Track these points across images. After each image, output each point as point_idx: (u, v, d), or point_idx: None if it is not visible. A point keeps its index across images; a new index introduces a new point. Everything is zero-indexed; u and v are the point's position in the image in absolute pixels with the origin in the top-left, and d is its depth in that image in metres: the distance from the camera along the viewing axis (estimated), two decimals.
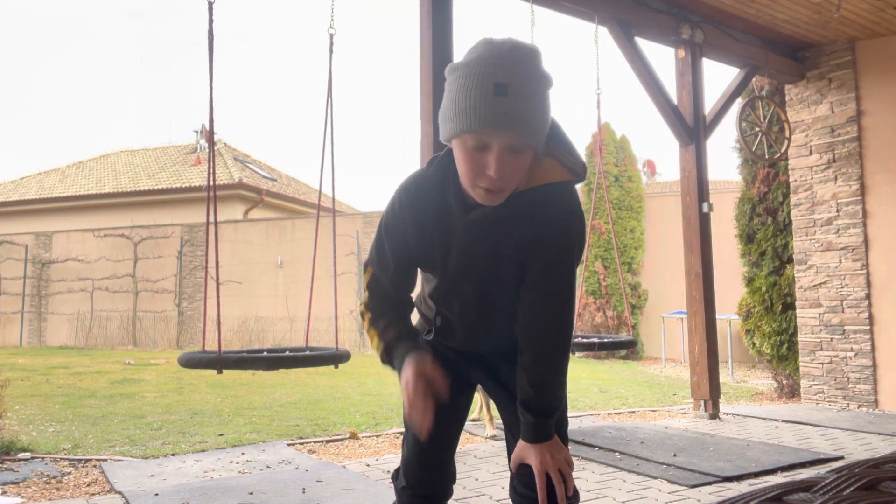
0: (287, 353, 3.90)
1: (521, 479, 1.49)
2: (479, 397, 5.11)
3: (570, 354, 1.56)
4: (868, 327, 5.96)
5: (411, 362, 1.43)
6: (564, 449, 1.48)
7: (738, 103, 6.43)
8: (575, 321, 1.48)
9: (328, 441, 4.63)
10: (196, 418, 5.43)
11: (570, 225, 1.44)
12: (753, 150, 6.44)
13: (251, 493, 3.25)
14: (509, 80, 1.26)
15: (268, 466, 3.87)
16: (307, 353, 3.72)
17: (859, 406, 5.98)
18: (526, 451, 1.45)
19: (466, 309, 1.57)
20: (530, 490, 1.46)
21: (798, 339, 6.47)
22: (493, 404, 4.95)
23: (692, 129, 5.74)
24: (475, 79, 1.28)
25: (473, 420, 5.23)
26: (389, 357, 1.52)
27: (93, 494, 3.36)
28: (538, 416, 1.44)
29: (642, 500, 3.21)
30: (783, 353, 6.82)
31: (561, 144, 1.41)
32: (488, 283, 1.51)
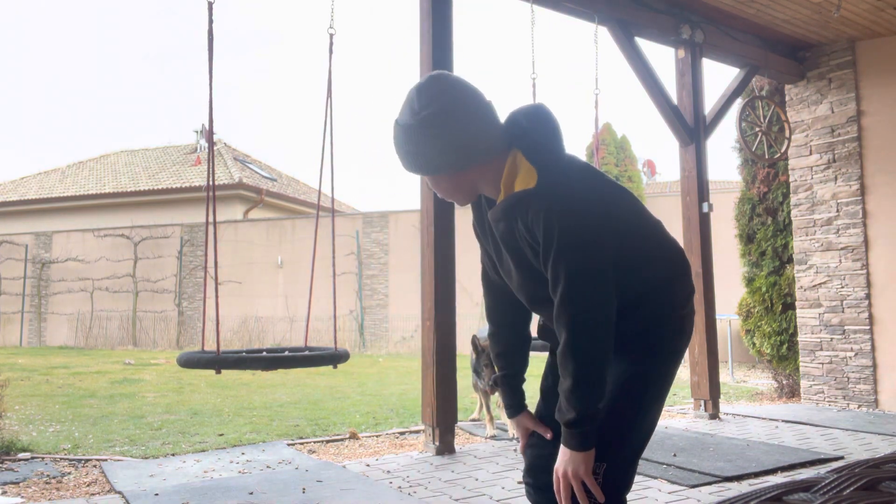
0: (286, 353, 3.90)
1: (529, 468, 1.70)
2: (479, 398, 5.11)
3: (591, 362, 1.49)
4: (868, 327, 5.95)
5: (517, 425, 1.77)
6: (586, 464, 1.46)
7: (738, 103, 6.43)
8: (602, 328, 1.47)
9: (328, 441, 4.63)
10: (196, 418, 5.43)
11: (545, 225, 1.47)
12: (753, 150, 6.44)
13: (251, 493, 3.25)
14: (393, 139, 1.58)
15: (268, 466, 3.87)
16: (306, 353, 3.72)
17: (859, 406, 5.98)
18: (559, 451, 1.51)
19: (529, 306, 1.73)
20: (531, 479, 1.68)
21: (798, 339, 6.47)
22: (493, 404, 4.97)
23: (692, 129, 5.74)
24: None
25: (473, 420, 5.23)
26: (496, 386, 1.95)
27: (93, 494, 3.36)
28: (563, 423, 1.49)
29: (642, 500, 3.21)
30: (783, 353, 6.82)
31: (534, 153, 1.54)
32: (527, 277, 1.61)
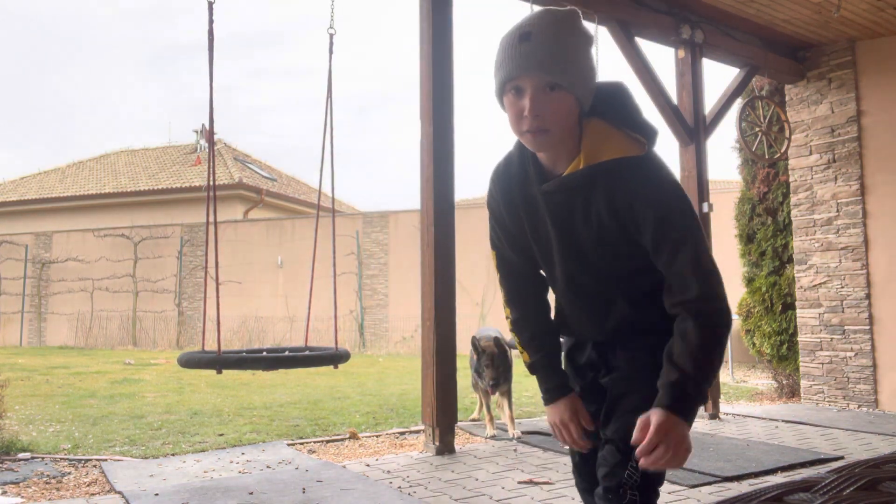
0: (287, 353, 3.90)
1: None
2: (479, 398, 5.11)
3: None
4: (868, 327, 5.95)
5: (565, 409, 1.60)
6: (684, 436, 1.41)
7: (738, 103, 6.43)
8: (719, 296, 1.40)
9: (328, 441, 4.63)
10: (196, 418, 5.43)
11: (656, 194, 1.39)
12: (753, 150, 6.44)
13: (251, 493, 3.25)
14: (532, 28, 1.37)
15: (268, 466, 3.87)
16: (307, 353, 3.72)
17: (859, 406, 5.98)
18: (651, 412, 1.39)
19: (561, 289, 1.60)
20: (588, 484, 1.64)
21: (798, 339, 6.47)
22: (493, 404, 4.97)
23: (692, 129, 5.74)
24: (507, 36, 1.41)
25: (473, 420, 5.23)
26: (534, 373, 1.67)
27: (93, 494, 3.36)
28: (685, 393, 1.39)
29: None
30: (783, 353, 6.82)
31: (628, 117, 1.45)
32: (572, 257, 1.52)
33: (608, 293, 1.55)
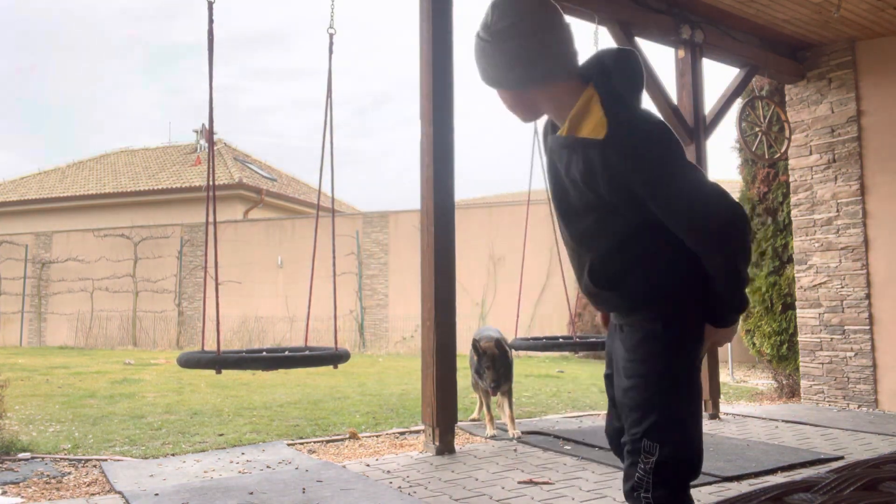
0: (286, 353, 3.90)
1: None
2: (479, 398, 5.11)
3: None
4: (868, 327, 5.96)
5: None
6: (732, 331, 1.70)
7: (738, 103, 6.43)
8: (708, 213, 1.53)
9: (328, 441, 4.63)
10: (196, 418, 5.43)
11: (616, 151, 1.51)
12: (753, 150, 6.44)
13: (251, 493, 3.25)
14: (474, 37, 1.67)
15: (268, 466, 3.87)
16: (306, 353, 3.72)
17: (859, 406, 5.98)
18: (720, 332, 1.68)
19: (566, 246, 1.78)
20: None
21: (798, 339, 6.47)
22: (493, 404, 4.97)
23: (692, 129, 5.74)
24: None
25: (473, 420, 5.23)
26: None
27: (93, 494, 3.36)
28: (732, 309, 1.63)
29: None
30: (783, 353, 6.82)
31: (612, 101, 1.55)
32: (558, 212, 1.70)
33: (580, 250, 1.69)
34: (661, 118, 1.62)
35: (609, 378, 1.82)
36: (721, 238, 1.51)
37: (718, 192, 1.50)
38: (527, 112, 1.68)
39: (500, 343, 4.70)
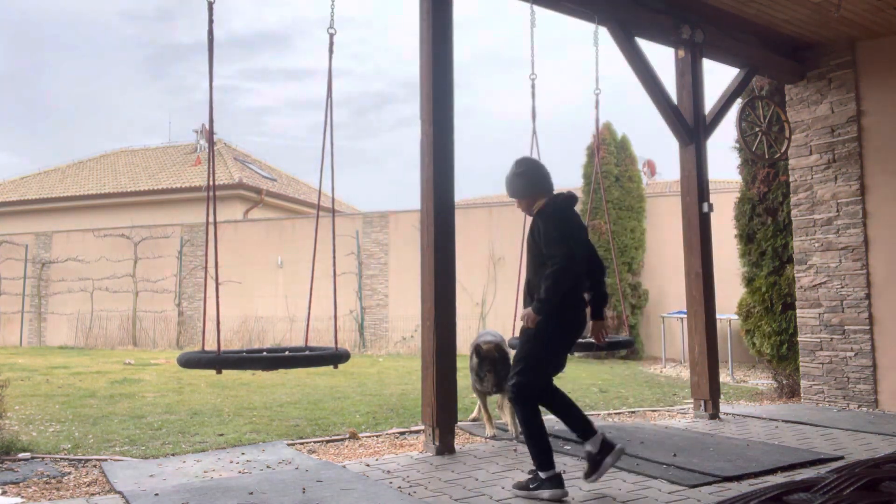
0: (286, 353, 3.90)
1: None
2: (478, 399, 5.11)
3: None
4: (868, 327, 5.95)
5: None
6: (531, 314, 3.39)
7: (738, 103, 6.43)
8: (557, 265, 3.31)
9: (328, 441, 4.63)
10: (196, 418, 5.43)
11: (535, 228, 3.48)
12: (753, 150, 6.44)
13: (251, 493, 3.25)
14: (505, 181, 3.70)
15: (268, 466, 3.87)
16: (306, 353, 3.72)
17: (859, 406, 5.98)
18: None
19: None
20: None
21: (798, 339, 6.47)
22: (492, 404, 4.97)
23: (692, 129, 5.74)
24: None
25: (473, 420, 5.23)
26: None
27: (93, 494, 3.36)
28: (536, 299, 3.39)
29: (642, 500, 3.21)
30: (783, 353, 6.82)
31: (545, 191, 3.61)
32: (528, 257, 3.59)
33: (531, 276, 3.50)
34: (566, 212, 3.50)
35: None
36: (557, 274, 3.31)
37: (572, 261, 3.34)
38: (528, 209, 3.61)
39: (500, 347, 4.71)
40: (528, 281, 3.47)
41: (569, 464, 3.90)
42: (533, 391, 3.32)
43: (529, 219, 3.66)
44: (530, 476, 3.30)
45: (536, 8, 4.85)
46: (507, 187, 3.62)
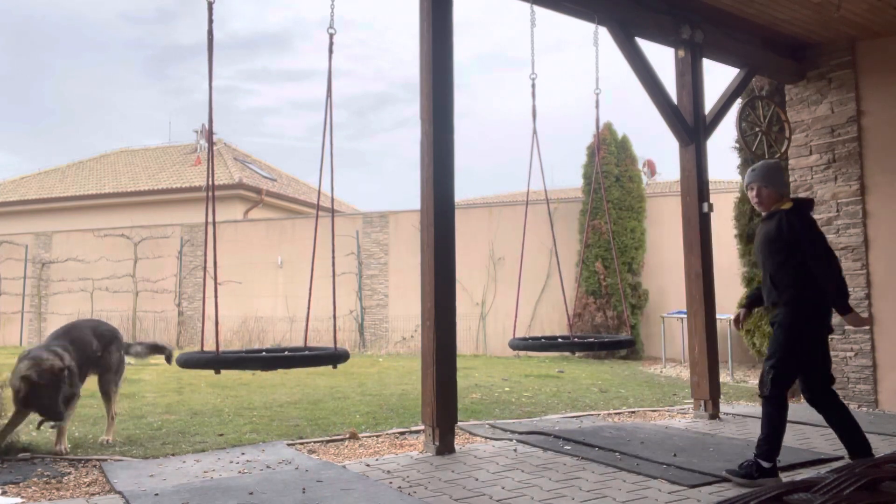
0: (286, 353, 3.90)
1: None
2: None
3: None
4: (868, 327, 5.95)
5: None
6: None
7: (738, 103, 6.43)
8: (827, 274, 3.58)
9: (328, 441, 4.63)
10: (196, 418, 5.43)
11: (786, 226, 3.57)
12: (753, 150, 6.44)
13: (251, 493, 3.25)
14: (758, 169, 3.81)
15: (268, 466, 3.87)
16: (306, 353, 3.72)
17: (859, 406, 5.98)
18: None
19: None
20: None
21: None
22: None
23: (692, 129, 5.74)
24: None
25: (474, 420, 5.23)
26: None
27: (93, 494, 3.36)
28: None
29: (642, 500, 3.21)
30: None
31: (784, 192, 3.73)
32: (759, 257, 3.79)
33: (774, 272, 3.61)
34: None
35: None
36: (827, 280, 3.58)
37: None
38: (769, 200, 3.70)
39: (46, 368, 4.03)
40: (772, 276, 3.59)
41: (569, 463, 3.90)
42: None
43: (531, 219, 3.57)
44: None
45: (536, 8, 4.85)
46: (761, 174, 3.68)
